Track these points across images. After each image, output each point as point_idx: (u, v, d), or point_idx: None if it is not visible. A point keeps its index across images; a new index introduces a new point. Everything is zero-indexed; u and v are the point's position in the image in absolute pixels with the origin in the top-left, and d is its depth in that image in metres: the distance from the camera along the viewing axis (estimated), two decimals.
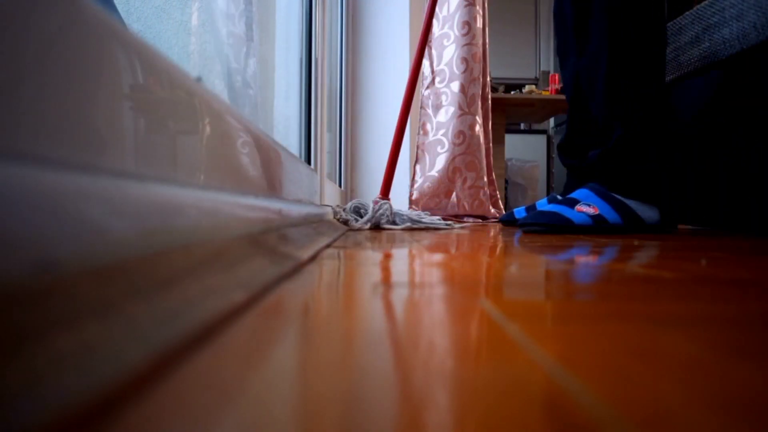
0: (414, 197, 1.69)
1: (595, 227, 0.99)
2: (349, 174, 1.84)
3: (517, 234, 0.97)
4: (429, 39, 1.76)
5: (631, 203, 1.02)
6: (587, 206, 1.00)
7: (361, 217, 1.08)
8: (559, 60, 1.22)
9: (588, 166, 1.08)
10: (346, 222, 1.06)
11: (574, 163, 1.17)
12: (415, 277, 0.37)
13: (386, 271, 0.40)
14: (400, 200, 1.52)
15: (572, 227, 0.98)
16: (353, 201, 1.13)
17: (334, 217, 1.06)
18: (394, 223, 1.09)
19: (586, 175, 1.10)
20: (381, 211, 1.07)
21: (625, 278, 0.37)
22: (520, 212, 1.35)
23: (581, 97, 1.12)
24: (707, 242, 0.80)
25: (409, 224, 1.09)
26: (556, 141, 3.79)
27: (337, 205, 1.14)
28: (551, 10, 1.40)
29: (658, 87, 1.04)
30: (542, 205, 1.26)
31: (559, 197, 1.19)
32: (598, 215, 0.99)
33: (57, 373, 0.12)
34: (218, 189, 0.32)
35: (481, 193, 1.74)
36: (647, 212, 1.03)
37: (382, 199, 1.12)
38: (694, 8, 1.27)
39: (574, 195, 1.04)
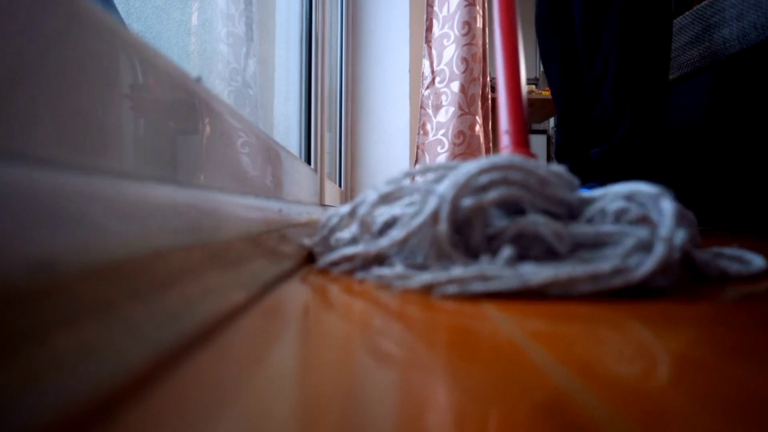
0: None
1: None
2: (349, 174, 1.84)
3: None
4: (429, 39, 1.76)
5: None
6: None
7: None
8: (543, 58, 1.21)
9: (589, 165, 1.08)
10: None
11: (574, 165, 1.17)
12: None
13: None
14: None
15: None
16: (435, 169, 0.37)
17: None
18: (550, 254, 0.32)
19: (586, 175, 1.10)
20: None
21: None
22: None
23: (576, 96, 1.12)
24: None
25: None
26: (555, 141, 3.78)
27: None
28: None
29: (665, 85, 1.05)
30: None
31: None
32: None
33: (56, 373, 0.12)
34: (218, 189, 0.32)
35: None
36: None
37: (522, 152, 0.46)
38: (694, 8, 1.27)
39: None
